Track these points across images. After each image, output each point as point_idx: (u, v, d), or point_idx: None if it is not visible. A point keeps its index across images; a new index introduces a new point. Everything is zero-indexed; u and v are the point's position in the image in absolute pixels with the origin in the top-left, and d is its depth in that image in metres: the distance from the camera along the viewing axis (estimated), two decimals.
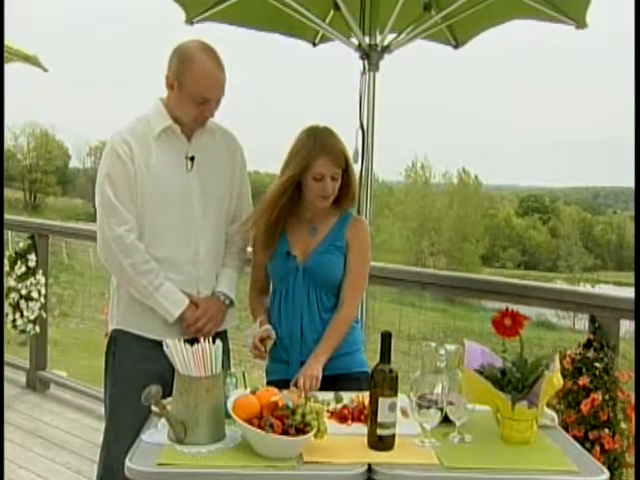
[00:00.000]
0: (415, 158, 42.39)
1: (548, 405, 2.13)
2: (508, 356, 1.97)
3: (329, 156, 2.32)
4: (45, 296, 4.80)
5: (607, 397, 2.52)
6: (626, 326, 2.87)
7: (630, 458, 2.52)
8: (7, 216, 4.63)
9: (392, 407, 1.84)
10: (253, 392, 1.88)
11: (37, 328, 4.78)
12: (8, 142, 44.14)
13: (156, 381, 1.86)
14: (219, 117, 2.41)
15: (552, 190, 62.52)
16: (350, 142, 3.08)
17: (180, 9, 3.49)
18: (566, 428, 2.40)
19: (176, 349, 1.86)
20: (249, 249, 2.58)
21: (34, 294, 4.71)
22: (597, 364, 2.57)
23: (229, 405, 1.83)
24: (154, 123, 2.34)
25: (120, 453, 1.83)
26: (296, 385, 2.25)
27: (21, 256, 4.75)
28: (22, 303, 4.70)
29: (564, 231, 50.24)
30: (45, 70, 4.96)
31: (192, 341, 1.91)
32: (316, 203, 2.40)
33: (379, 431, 1.84)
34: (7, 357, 4.94)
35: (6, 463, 3.56)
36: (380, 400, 1.84)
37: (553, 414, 2.10)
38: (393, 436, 1.85)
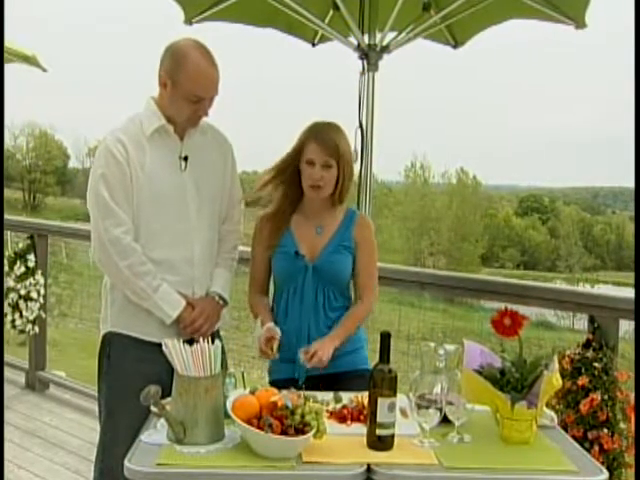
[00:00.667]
0: (414, 158, 42.42)
1: (547, 405, 2.13)
2: (507, 356, 1.97)
3: (319, 143, 2.35)
4: (44, 296, 4.80)
5: (606, 397, 2.52)
6: (625, 326, 2.87)
7: (629, 458, 2.52)
8: (6, 216, 4.62)
9: (391, 407, 1.84)
10: (252, 392, 1.88)
11: (36, 328, 4.77)
12: (7, 142, 44.14)
13: (153, 383, 1.84)
14: (218, 117, 2.41)
15: (551, 190, 62.56)
16: (349, 142, 3.08)
17: (179, 9, 3.49)
18: (565, 428, 2.40)
19: (175, 349, 1.86)
20: (243, 248, 2.57)
21: (33, 294, 4.71)
22: (596, 364, 2.57)
23: (228, 405, 1.83)
24: (147, 123, 2.31)
25: (118, 456, 1.82)
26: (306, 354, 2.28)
27: (20, 256, 4.75)
28: (21, 303, 4.70)
29: (563, 231, 50.25)
30: (44, 70, 4.96)
31: (190, 342, 1.91)
32: (307, 193, 2.41)
33: (378, 431, 1.84)
34: (6, 357, 4.93)
35: (5, 463, 3.55)
36: (379, 400, 1.84)
37: (552, 414, 2.10)
38: (392, 436, 1.85)
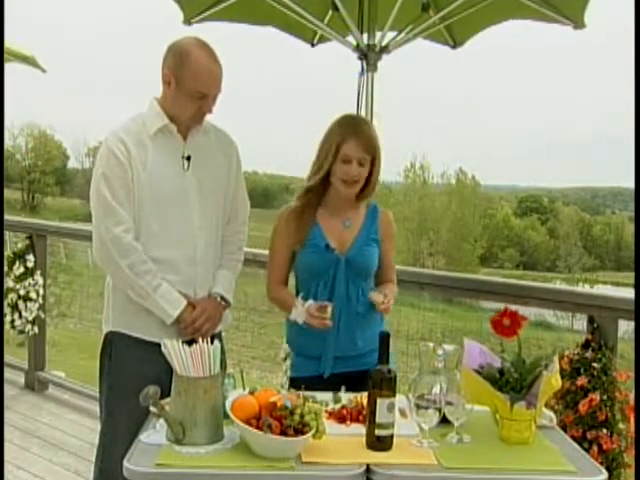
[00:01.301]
0: (413, 158, 42.42)
1: (546, 405, 2.13)
2: (507, 356, 1.97)
3: (359, 140, 2.34)
4: (43, 297, 4.80)
5: (605, 397, 2.52)
6: (624, 326, 2.88)
7: (628, 458, 2.52)
8: (5, 216, 4.62)
9: (390, 407, 1.84)
10: (251, 392, 1.88)
11: (35, 329, 4.77)
12: (7, 142, 44.08)
13: (153, 384, 1.85)
14: (216, 117, 2.41)
15: (550, 190, 62.58)
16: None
17: (179, 9, 3.49)
18: (564, 428, 2.40)
19: (174, 349, 1.86)
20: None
21: (32, 295, 4.71)
22: (595, 364, 2.57)
23: (227, 405, 1.83)
24: (150, 123, 2.32)
25: (117, 457, 1.81)
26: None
27: (19, 257, 4.74)
28: (20, 304, 4.69)
29: (563, 231, 50.26)
30: (43, 71, 4.97)
31: (190, 342, 1.90)
32: (340, 189, 2.39)
33: (377, 431, 1.84)
34: (6, 358, 4.92)
35: (4, 464, 3.55)
36: (378, 400, 1.84)
37: (551, 414, 2.10)
38: (391, 436, 1.85)
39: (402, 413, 2.00)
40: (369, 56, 3.21)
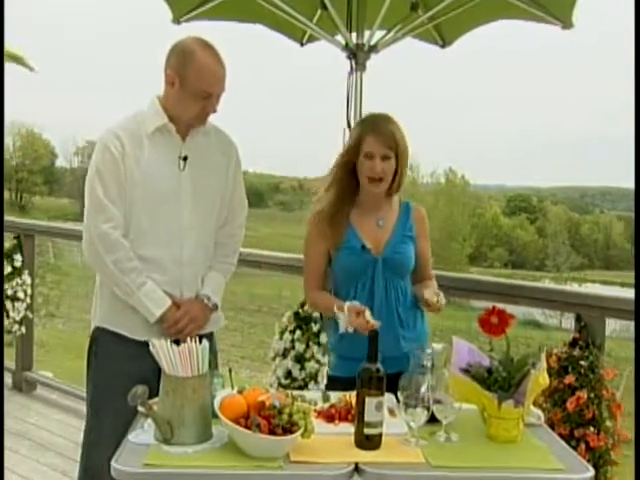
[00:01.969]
0: None
1: (534, 404, 2.13)
2: (495, 355, 1.98)
3: (379, 135, 2.34)
4: (31, 296, 4.78)
5: (592, 395, 2.53)
6: (612, 325, 2.89)
7: (615, 456, 2.54)
8: None
9: (379, 406, 1.84)
10: (240, 392, 1.88)
11: (23, 329, 4.75)
12: None
13: (138, 382, 1.84)
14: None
15: (539, 190, 62.88)
16: (335, 141, 3.09)
17: (168, 9, 3.49)
18: (552, 426, 2.41)
19: (162, 349, 1.86)
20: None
21: (20, 294, 4.68)
22: (583, 362, 2.58)
23: (216, 405, 1.83)
24: (149, 121, 2.32)
25: (102, 456, 1.81)
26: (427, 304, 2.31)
27: (7, 256, 4.72)
28: (8, 304, 4.67)
29: (551, 230, 50.53)
30: (31, 69, 4.95)
31: (178, 342, 1.90)
32: (367, 187, 2.39)
33: (366, 430, 1.84)
34: None
35: None
36: (367, 399, 1.84)
37: (539, 412, 2.11)
38: (380, 435, 1.85)
39: (391, 412, 2.00)
40: (358, 55, 3.21)
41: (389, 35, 3.29)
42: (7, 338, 5.12)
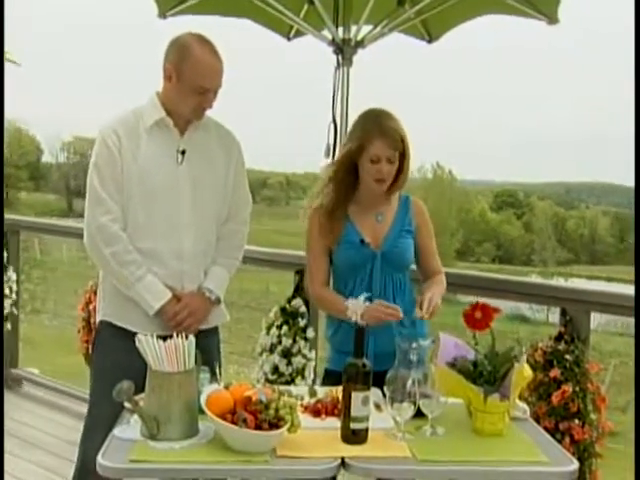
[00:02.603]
0: None
1: (520, 397, 2.15)
2: (481, 349, 1.99)
3: (386, 139, 2.30)
4: (17, 292, 4.74)
5: (577, 389, 2.55)
6: (597, 319, 2.91)
7: (599, 448, 2.56)
8: None
9: (365, 401, 1.85)
10: (226, 387, 1.88)
11: (8, 325, 4.72)
12: None
13: (137, 375, 1.85)
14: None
15: (526, 185, 63.14)
16: (322, 137, 3.10)
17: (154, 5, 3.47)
18: (538, 420, 2.43)
19: (148, 344, 1.85)
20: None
21: (5, 291, 4.65)
22: (568, 356, 2.59)
23: (202, 400, 1.83)
24: (147, 115, 2.34)
25: (97, 448, 1.81)
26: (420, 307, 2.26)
27: None
28: None
29: (538, 226, 50.79)
30: (17, 64, 4.91)
31: (164, 338, 1.89)
32: (372, 187, 2.37)
33: (352, 425, 1.84)
34: None
35: None
36: (353, 394, 1.84)
37: (525, 406, 2.12)
38: (366, 430, 1.86)
39: (377, 407, 2.01)
40: (344, 50, 3.21)
41: (376, 30, 3.29)
42: None
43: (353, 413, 1.84)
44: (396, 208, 2.46)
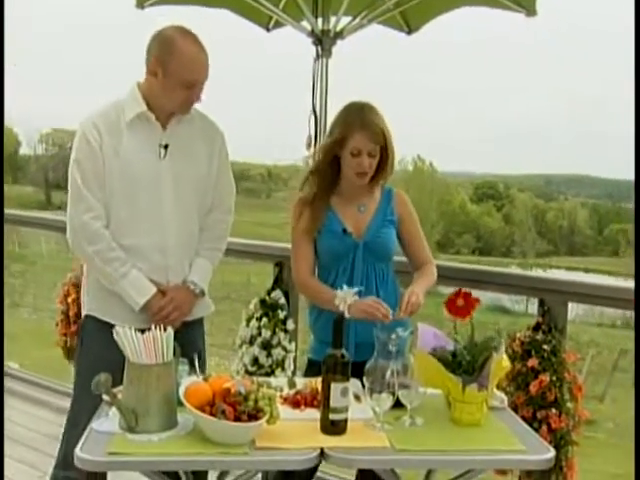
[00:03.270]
0: None
1: (498, 387, 2.17)
2: (460, 339, 2.00)
3: (366, 132, 2.31)
4: None
5: (554, 378, 2.58)
6: (574, 309, 2.93)
7: (576, 437, 2.59)
8: None
9: (344, 392, 1.85)
10: (205, 379, 1.87)
11: None
12: None
13: (121, 369, 1.85)
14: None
15: (506, 177, 63.49)
16: (303, 128, 3.08)
17: None
18: (515, 409, 2.45)
19: (126, 336, 1.84)
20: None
21: None
22: (545, 346, 2.62)
23: (181, 392, 1.82)
24: (128, 109, 2.30)
25: (77, 442, 1.80)
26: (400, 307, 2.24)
27: None
28: None
29: (518, 217, 51.13)
30: None
31: (142, 330, 1.88)
32: (353, 180, 2.38)
33: (331, 416, 1.85)
34: None
35: None
36: (332, 385, 1.84)
37: (503, 396, 2.14)
38: (345, 420, 1.87)
39: (356, 397, 2.01)
40: (324, 41, 3.19)
41: (355, 21, 3.28)
42: None
43: (332, 404, 1.84)
44: (379, 199, 2.46)
